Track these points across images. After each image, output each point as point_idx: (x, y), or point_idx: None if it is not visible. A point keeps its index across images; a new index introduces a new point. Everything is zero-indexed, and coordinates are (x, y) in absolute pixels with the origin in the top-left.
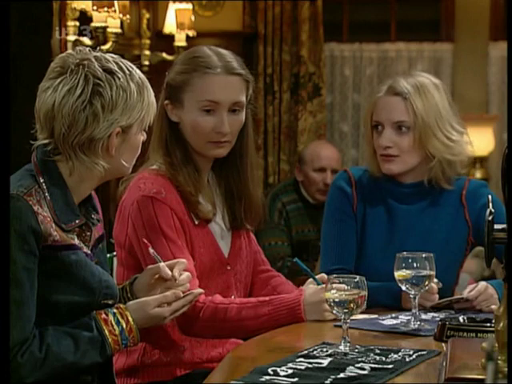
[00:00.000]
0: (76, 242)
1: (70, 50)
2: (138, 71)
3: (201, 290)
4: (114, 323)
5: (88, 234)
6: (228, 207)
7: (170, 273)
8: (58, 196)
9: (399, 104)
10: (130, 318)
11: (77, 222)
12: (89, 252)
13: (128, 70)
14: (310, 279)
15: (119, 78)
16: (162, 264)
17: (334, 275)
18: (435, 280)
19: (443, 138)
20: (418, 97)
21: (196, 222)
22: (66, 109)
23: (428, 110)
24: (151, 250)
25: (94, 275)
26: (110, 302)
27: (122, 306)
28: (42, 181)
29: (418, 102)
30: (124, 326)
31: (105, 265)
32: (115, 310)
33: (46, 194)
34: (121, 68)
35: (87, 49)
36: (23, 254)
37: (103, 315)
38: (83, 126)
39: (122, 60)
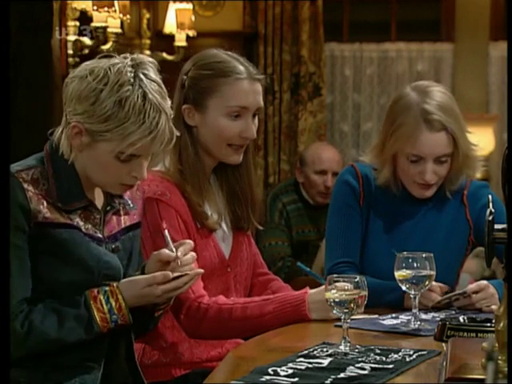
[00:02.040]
0: (75, 222)
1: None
2: (149, 106)
3: (200, 271)
4: (103, 301)
5: (98, 217)
6: (230, 209)
7: (171, 254)
8: (62, 177)
9: (443, 139)
10: (119, 296)
11: (77, 203)
12: (98, 235)
13: (138, 95)
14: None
15: (112, 86)
16: (163, 250)
17: (335, 275)
18: (441, 284)
19: (473, 154)
20: (457, 126)
21: (199, 226)
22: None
23: (463, 136)
24: (166, 233)
25: (91, 254)
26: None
27: (114, 284)
28: (48, 162)
29: (458, 133)
30: (113, 304)
31: (130, 253)
32: (107, 288)
33: (50, 174)
34: (132, 86)
35: (146, 59)
36: (11, 231)
37: (94, 293)
38: (64, 100)
39: (147, 80)
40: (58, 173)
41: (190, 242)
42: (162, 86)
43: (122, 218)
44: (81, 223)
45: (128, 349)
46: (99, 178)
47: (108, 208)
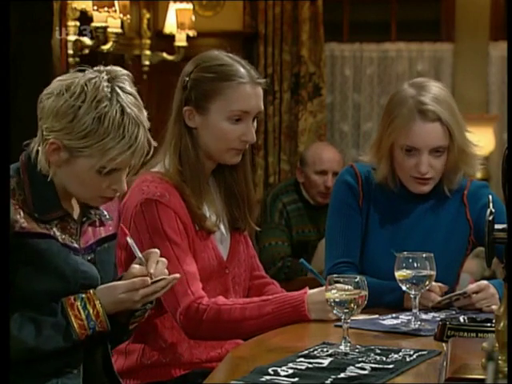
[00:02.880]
0: (52, 232)
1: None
2: (128, 120)
3: (176, 276)
4: (80, 308)
5: (74, 227)
6: (227, 210)
7: (144, 270)
8: (38, 187)
9: (437, 130)
10: (96, 303)
11: (54, 213)
12: (74, 245)
13: (116, 110)
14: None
15: (91, 102)
16: (133, 266)
17: (335, 275)
18: (441, 284)
19: (470, 151)
20: (452, 119)
21: (197, 228)
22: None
23: (459, 129)
24: (129, 240)
25: (68, 264)
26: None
27: (91, 291)
28: (24, 172)
29: (453, 125)
30: (91, 310)
31: (106, 264)
32: (83, 295)
33: (26, 185)
34: (110, 101)
35: (121, 72)
36: None
37: (71, 300)
38: (39, 116)
39: (124, 99)
40: (34, 183)
41: (156, 251)
42: (138, 98)
43: (98, 229)
44: (58, 233)
45: (105, 355)
46: (79, 192)
47: (84, 219)
